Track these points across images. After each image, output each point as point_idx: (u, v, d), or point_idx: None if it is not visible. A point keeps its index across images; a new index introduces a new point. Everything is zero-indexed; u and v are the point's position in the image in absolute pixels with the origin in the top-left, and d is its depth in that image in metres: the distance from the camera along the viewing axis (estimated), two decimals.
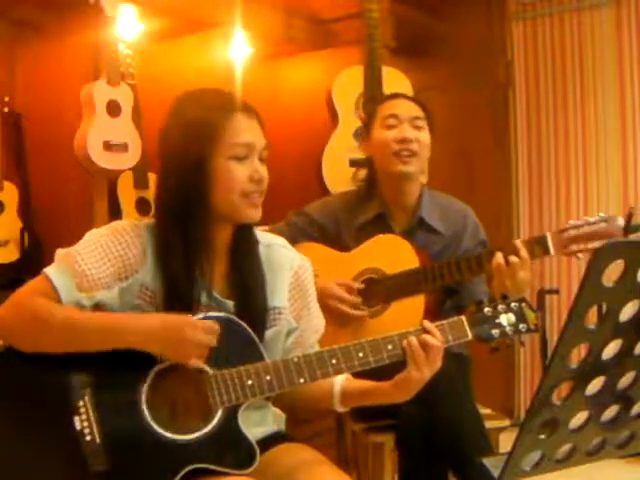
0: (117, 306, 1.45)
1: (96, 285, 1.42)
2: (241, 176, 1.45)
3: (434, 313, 2.12)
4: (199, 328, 1.38)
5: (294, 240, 2.22)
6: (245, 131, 1.46)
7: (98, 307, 1.44)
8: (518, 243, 1.95)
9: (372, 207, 2.22)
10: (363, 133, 2.28)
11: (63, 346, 1.39)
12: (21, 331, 1.40)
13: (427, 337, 1.46)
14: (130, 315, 1.42)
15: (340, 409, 1.56)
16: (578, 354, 1.03)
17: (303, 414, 1.71)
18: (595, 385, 1.06)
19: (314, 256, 2.14)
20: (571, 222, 1.95)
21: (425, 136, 2.18)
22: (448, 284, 2.12)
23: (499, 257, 1.93)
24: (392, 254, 2.14)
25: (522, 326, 1.55)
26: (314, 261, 2.11)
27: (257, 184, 1.47)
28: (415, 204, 2.21)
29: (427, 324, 1.49)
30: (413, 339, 1.45)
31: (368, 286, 2.14)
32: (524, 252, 1.93)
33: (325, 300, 2.04)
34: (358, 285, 2.14)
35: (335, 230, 2.24)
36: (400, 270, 2.10)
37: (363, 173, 2.34)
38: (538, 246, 1.96)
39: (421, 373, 1.45)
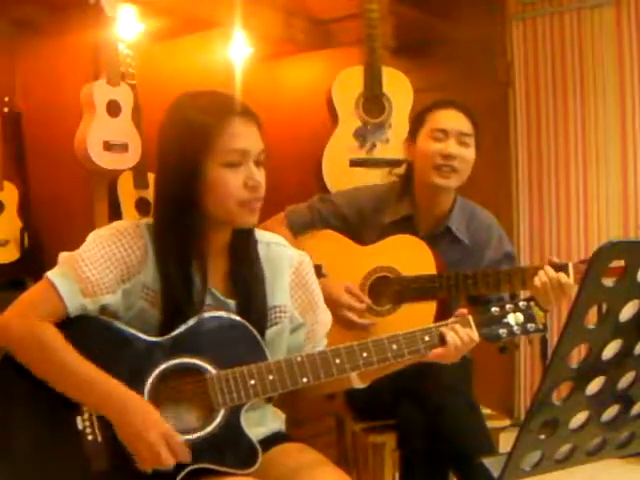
0: (121, 308, 1.45)
1: (100, 290, 1.42)
2: (235, 184, 1.43)
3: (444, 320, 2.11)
4: (170, 444, 1.34)
5: (312, 225, 2.21)
6: (240, 137, 1.44)
7: (103, 311, 1.44)
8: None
9: (402, 208, 2.20)
10: (408, 135, 2.24)
11: (47, 381, 1.38)
12: (18, 348, 1.39)
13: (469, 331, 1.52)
14: (116, 385, 1.37)
15: (359, 385, 1.55)
16: (578, 354, 1.03)
17: (314, 400, 1.70)
18: (595, 385, 1.06)
19: (331, 245, 2.15)
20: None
21: (470, 154, 2.15)
22: (461, 295, 2.12)
23: (543, 277, 1.89)
24: (410, 256, 2.13)
25: (530, 326, 1.55)
26: (331, 249, 2.11)
27: (252, 191, 1.45)
28: (445, 213, 2.19)
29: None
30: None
31: (380, 284, 2.13)
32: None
33: (333, 309, 2.04)
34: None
35: (358, 223, 2.21)
36: (415, 273, 2.10)
37: (400, 171, 2.31)
38: (562, 274, 1.92)
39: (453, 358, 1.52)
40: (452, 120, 2.15)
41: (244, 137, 1.45)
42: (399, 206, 2.20)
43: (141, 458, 1.35)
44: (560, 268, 1.92)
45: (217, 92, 1.53)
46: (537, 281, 1.89)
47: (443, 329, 1.51)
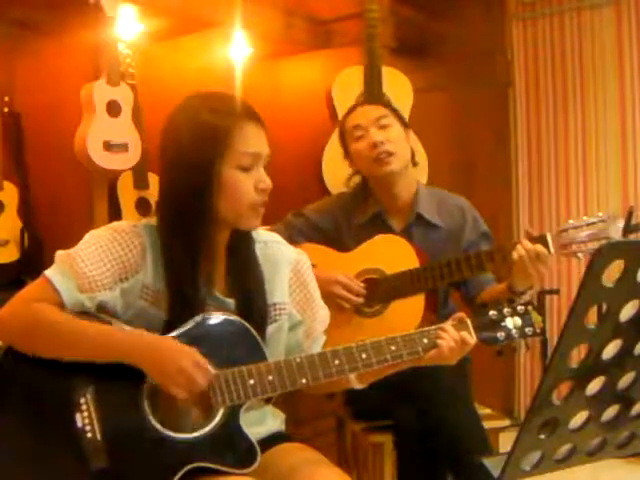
0: (120, 307, 1.45)
1: (97, 286, 1.42)
2: (248, 187, 1.45)
3: (434, 313, 2.12)
4: (199, 366, 1.38)
5: (291, 240, 2.22)
6: (253, 140, 1.46)
7: (100, 308, 1.44)
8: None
9: (369, 207, 2.23)
10: (344, 154, 2.28)
11: (61, 352, 1.39)
12: (21, 334, 1.40)
13: (465, 333, 1.52)
14: (131, 331, 1.41)
15: (358, 386, 1.56)
16: (578, 354, 1.03)
17: (314, 399, 1.72)
18: (595, 385, 1.06)
19: (313, 256, 2.14)
20: (571, 222, 1.94)
21: (394, 132, 2.18)
22: (449, 283, 2.13)
23: (520, 250, 1.92)
24: (391, 254, 2.14)
25: (528, 329, 1.55)
26: (315, 261, 2.11)
27: (262, 194, 1.48)
28: (411, 201, 2.21)
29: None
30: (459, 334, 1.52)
31: (368, 286, 2.14)
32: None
33: (329, 287, 2.04)
34: (360, 283, 2.14)
35: (335, 231, 2.24)
36: (400, 270, 2.11)
37: (357, 178, 2.33)
38: (538, 245, 1.95)
39: (449, 360, 1.52)
40: (361, 113, 2.22)
41: (257, 140, 1.47)
42: (366, 206, 2.24)
43: (178, 386, 1.37)
44: (538, 239, 1.94)
45: (228, 94, 1.54)
46: (515, 255, 1.91)
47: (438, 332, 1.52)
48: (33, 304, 1.40)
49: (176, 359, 1.37)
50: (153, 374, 1.38)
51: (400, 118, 2.22)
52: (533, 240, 1.94)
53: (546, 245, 1.93)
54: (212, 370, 1.39)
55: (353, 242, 2.20)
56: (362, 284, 2.13)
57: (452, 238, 2.19)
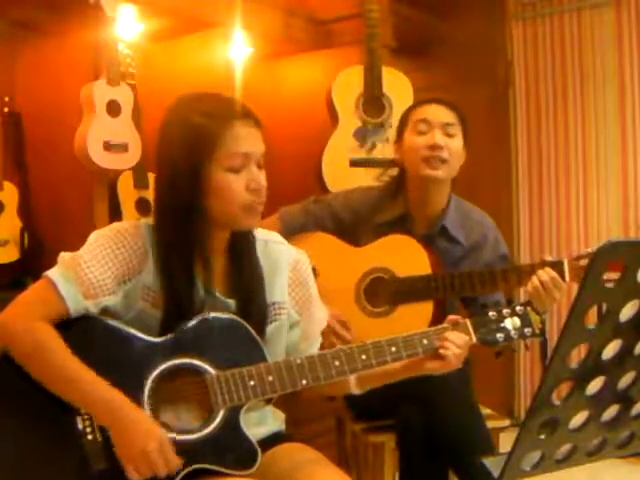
0: (122, 309, 1.45)
1: (102, 291, 1.42)
2: (238, 188, 1.44)
3: (441, 322, 2.10)
4: (165, 453, 1.33)
5: (306, 227, 2.20)
6: (242, 140, 1.44)
7: (104, 311, 1.44)
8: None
9: (396, 208, 2.18)
10: (396, 137, 2.23)
11: (47, 383, 1.37)
12: (19, 349, 1.39)
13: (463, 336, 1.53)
14: (113, 395, 1.36)
15: (357, 391, 1.57)
16: (578, 354, 1.03)
17: (314, 400, 1.71)
18: (595, 385, 1.06)
19: (325, 247, 2.13)
20: (588, 250, 1.93)
21: (456, 143, 2.13)
22: (458, 296, 2.11)
23: (535, 282, 1.89)
24: (404, 256, 2.11)
25: (527, 330, 1.55)
26: (324, 252, 2.10)
27: (255, 194, 1.45)
28: (440, 212, 2.17)
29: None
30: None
31: (375, 285, 2.12)
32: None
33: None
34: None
35: (353, 224, 2.20)
36: (410, 274, 2.08)
37: (392, 172, 2.30)
38: (553, 270, 1.91)
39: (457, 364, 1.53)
40: (434, 111, 2.15)
41: (246, 140, 1.45)
42: (393, 206, 2.18)
43: (136, 468, 1.33)
44: (554, 265, 1.92)
45: (219, 95, 1.53)
46: (530, 287, 1.89)
47: (437, 342, 1.51)
48: (35, 323, 1.38)
49: (144, 441, 1.32)
50: (118, 447, 1.35)
51: (465, 131, 2.17)
52: (548, 265, 1.91)
53: (562, 273, 1.90)
54: (177, 460, 1.35)
55: (369, 239, 2.16)
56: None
57: (471, 256, 2.16)
